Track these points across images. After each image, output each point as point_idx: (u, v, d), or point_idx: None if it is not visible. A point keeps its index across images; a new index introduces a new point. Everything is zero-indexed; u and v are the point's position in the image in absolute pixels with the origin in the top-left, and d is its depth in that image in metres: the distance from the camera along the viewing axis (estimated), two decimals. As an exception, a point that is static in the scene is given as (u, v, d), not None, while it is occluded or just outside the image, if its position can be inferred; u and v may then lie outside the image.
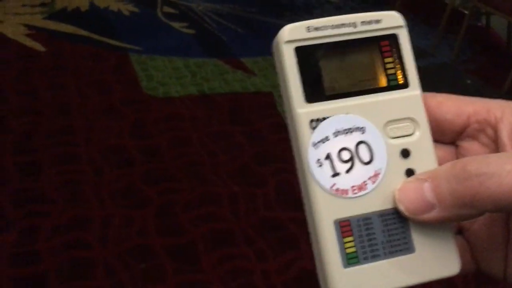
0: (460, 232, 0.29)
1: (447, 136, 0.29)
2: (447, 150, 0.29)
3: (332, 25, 0.27)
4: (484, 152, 0.28)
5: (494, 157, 0.24)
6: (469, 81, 2.45)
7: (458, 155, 0.29)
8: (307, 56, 0.27)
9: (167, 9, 2.78)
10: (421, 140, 0.27)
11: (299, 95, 0.26)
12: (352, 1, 3.19)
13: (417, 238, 0.27)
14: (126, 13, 2.68)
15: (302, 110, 0.26)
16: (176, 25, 2.61)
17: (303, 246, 1.41)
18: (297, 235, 1.45)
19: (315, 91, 0.27)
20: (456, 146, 0.29)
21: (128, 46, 2.35)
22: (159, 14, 2.72)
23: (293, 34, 0.27)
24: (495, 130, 0.27)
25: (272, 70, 2.27)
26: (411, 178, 0.26)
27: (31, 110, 1.85)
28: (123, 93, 2.00)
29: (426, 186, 0.25)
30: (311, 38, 0.27)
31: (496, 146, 0.27)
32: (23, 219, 1.41)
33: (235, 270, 1.34)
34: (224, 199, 1.56)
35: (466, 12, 2.67)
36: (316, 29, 0.27)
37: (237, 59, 2.34)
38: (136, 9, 2.73)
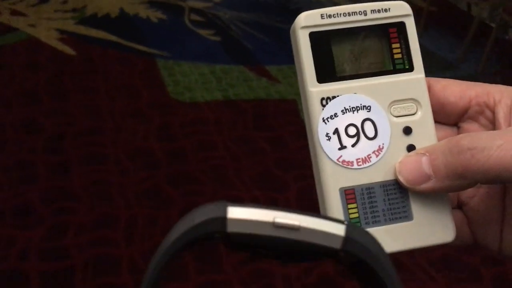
0: (459, 206, 0.31)
1: (450, 118, 0.31)
2: (449, 131, 0.31)
3: (344, 13, 0.29)
4: None
5: (485, 133, 0.26)
6: (494, 94, 2.43)
7: None
8: (321, 40, 0.29)
9: (194, 16, 2.83)
10: (422, 119, 0.29)
11: (312, 76, 0.29)
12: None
13: (416, 207, 0.29)
14: (155, 20, 2.75)
15: (314, 89, 0.29)
16: (202, 32, 2.66)
17: (324, 251, 1.42)
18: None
19: (327, 73, 0.29)
20: (458, 127, 0.31)
21: (155, 51, 2.40)
22: (187, 21, 2.78)
23: (308, 20, 0.29)
24: (493, 112, 0.29)
25: (296, 78, 2.29)
26: (411, 153, 0.29)
27: (62, 112, 1.91)
28: (150, 97, 2.05)
29: (424, 159, 0.27)
30: (325, 24, 0.29)
31: (493, 127, 0.29)
32: (52, 216, 1.46)
33: (256, 272, 1.36)
34: (246, 202, 1.58)
35: (493, 25, 2.66)
36: (330, 16, 0.29)
37: (261, 67, 2.37)
38: (164, 16, 2.79)
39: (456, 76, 2.59)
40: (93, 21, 2.64)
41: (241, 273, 1.36)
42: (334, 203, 0.28)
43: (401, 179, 0.28)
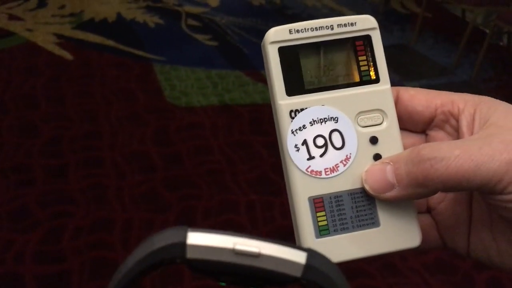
0: (428, 211, 0.32)
1: (417, 126, 0.32)
2: (417, 139, 0.32)
3: (312, 27, 0.30)
4: (448, 140, 0.31)
5: (445, 143, 0.27)
6: (489, 99, 2.45)
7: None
8: (289, 55, 0.30)
9: (191, 21, 2.85)
10: (388, 129, 0.30)
11: (281, 89, 0.30)
12: (374, 18, 3.22)
13: (382, 214, 0.30)
14: (152, 24, 2.76)
15: (283, 102, 0.30)
16: (199, 37, 2.68)
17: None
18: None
19: (295, 86, 0.30)
20: (426, 135, 0.32)
21: (152, 56, 2.41)
22: (183, 26, 2.79)
23: (277, 35, 0.30)
24: (457, 120, 0.30)
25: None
26: (377, 162, 0.30)
27: (59, 116, 1.91)
28: (146, 101, 2.06)
29: (389, 168, 0.28)
30: (293, 39, 0.30)
31: (458, 135, 0.30)
32: (48, 219, 1.47)
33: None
34: (242, 207, 1.59)
35: (487, 31, 2.68)
36: (298, 31, 0.30)
37: (258, 72, 2.38)
38: (161, 21, 2.80)
39: (451, 81, 2.61)
40: (91, 26, 2.65)
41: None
42: (303, 212, 0.29)
43: (367, 187, 0.29)
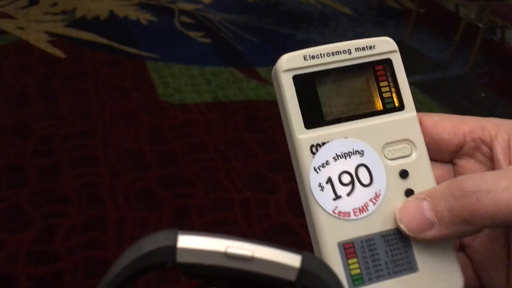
0: (462, 249, 0.30)
1: (444, 155, 0.29)
2: (444, 169, 0.29)
3: (328, 52, 0.28)
4: (480, 169, 0.28)
5: (489, 174, 0.25)
6: (483, 94, 2.46)
7: (455, 173, 0.29)
8: (305, 83, 0.27)
9: (184, 18, 2.83)
10: (418, 160, 0.28)
11: (298, 122, 0.27)
12: (368, 14, 3.22)
13: (420, 257, 0.27)
14: (144, 22, 2.74)
15: (302, 136, 0.27)
16: (192, 34, 2.66)
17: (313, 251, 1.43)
18: (308, 241, 1.46)
19: (314, 117, 0.27)
20: (453, 164, 0.29)
21: (145, 54, 2.40)
22: (177, 23, 2.78)
23: (290, 63, 0.27)
24: (490, 147, 0.28)
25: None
26: (411, 198, 0.27)
27: (52, 115, 1.90)
28: (140, 99, 2.05)
29: (425, 205, 0.26)
30: (308, 66, 0.28)
31: (491, 163, 0.28)
32: (41, 219, 1.45)
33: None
34: (237, 204, 1.59)
35: (481, 26, 2.68)
36: (313, 57, 0.28)
37: (252, 68, 2.38)
38: (154, 18, 2.79)
39: (445, 76, 2.61)
40: (83, 23, 2.63)
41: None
42: (332, 260, 0.26)
43: (402, 227, 0.26)
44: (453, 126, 0.29)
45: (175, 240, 0.21)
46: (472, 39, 2.65)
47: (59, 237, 1.41)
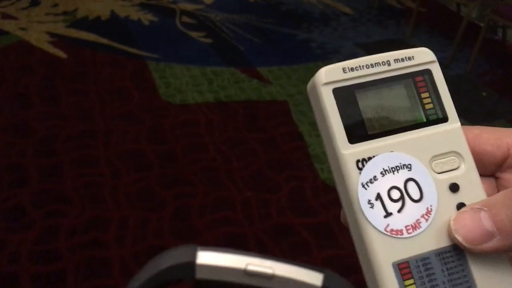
0: None
1: (487, 168, 0.28)
2: (487, 183, 0.28)
3: (367, 64, 0.27)
4: None
5: None
6: (484, 93, 2.46)
7: (499, 187, 0.28)
8: (346, 96, 0.27)
9: (185, 19, 2.84)
10: (467, 173, 0.27)
11: (342, 137, 0.26)
12: (368, 13, 3.22)
13: (478, 276, 0.26)
14: (146, 22, 2.75)
15: (347, 152, 0.26)
16: (194, 34, 2.67)
17: (315, 251, 1.44)
18: (309, 241, 1.47)
19: (358, 132, 0.27)
20: (496, 178, 0.29)
21: (147, 54, 2.40)
22: (178, 23, 2.78)
23: (330, 76, 0.27)
24: None
25: (287, 79, 2.30)
26: (465, 208, 0.26)
27: (53, 115, 1.91)
28: (141, 99, 2.05)
29: (483, 215, 0.25)
30: (348, 78, 0.27)
31: None
32: (43, 219, 1.46)
33: None
34: (238, 204, 1.59)
35: (482, 25, 2.68)
36: (352, 69, 0.27)
37: (253, 68, 2.38)
38: (155, 19, 2.79)
39: (446, 75, 2.60)
40: (84, 24, 2.63)
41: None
42: (389, 282, 0.25)
43: (459, 238, 0.25)
44: (496, 138, 0.28)
45: (194, 256, 0.21)
46: (473, 39, 2.65)
47: (61, 237, 1.41)
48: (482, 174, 0.28)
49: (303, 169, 1.76)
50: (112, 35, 2.53)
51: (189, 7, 2.98)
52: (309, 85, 0.28)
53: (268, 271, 0.21)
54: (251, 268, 0.21)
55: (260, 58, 2.48)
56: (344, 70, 0.27)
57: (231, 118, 2.00)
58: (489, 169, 0.28)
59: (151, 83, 2.18)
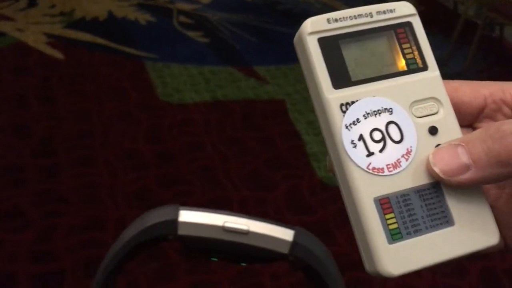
0: None
1: (465, 119, 0.29)
2: (465, 132, 0.29)
3: (350, 16, 0.29)
4: None
5: None
6: (481, 91, 2.46)
7: None
8: (330, 45, 0.28)
9: (182, 18, 2.84)
10: (446, 117, 0.28)
11: (327, 82, 0.27)
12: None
13: (455, 211, 0.27)
14: (143, 22, 2.75)
15: (331, 96, 0.27)
16: (191, 34, 2.67)
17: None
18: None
19: (341, 78, 0.28)
20: (473, 128, 0.30)
21: (144, 54, 2.41)
22: (175, 23, 2.78)
23: (315, 26, 0.28)
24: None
25: (285, 78, 2.31)
26: (444, 144, 0.27)
27: (51, 115, 1.91)
28: (139, 99, 2.06)
29: (461, 149, 0.26)
30: (332, 29, 0.28)
31: None
32: (41, 219, 1.46)
33: (244, 272, 1.37)
34: (235, 202, 1.59)
35: (479, 22, 2.69)
36: (336, 20, 0.28)
37: (250, 67, 2.38)
38: (152, 19, 2.79)
39: (444, 73, 2.60)
40: (81, 24, 2.64)
41: (230, 272, 1.37)
42: (370, 215, 0.26)
43: (436, 170, 0.26)
44: (473, 90, 0.29)
45: (176, 215, 0.23)
46: (471, 36, 2.66)
47: (59, 236, 1.42)
48: (460, 125, 0.29)
49: (300, 167, 1.76)
50: (109, 36, 2.53)
51: (186, 7, 2.99)
52: (296, 36, 0.29)
53: (244, 227, 0.23)
54: (228, 225, 0.23)
55: (258, 57, 2.48)
56: (328, 20, 0.28)
57: (229, 117, 2.00)
58: (467, 119, 0.30)
59: (148, 83, 2.18)
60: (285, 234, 0.23)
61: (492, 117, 0.29)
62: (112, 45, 2.46)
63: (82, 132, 1.84)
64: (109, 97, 2.05)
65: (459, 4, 3.19)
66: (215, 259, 0.25)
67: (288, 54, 2.51)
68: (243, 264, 0.23)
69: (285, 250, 0.23)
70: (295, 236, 0.23)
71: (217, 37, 2.68)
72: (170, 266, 1.36)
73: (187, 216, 0.23)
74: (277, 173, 1.72)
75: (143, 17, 2.80)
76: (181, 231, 0.23)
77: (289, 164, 1.77)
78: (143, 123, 1.92)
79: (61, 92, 2.05)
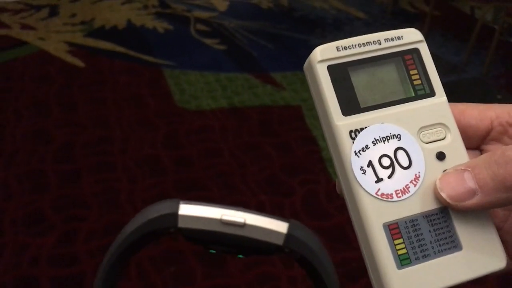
0: None
1: (472, 141, 0.30)
2: (472, 155, 0.30)
3: (359, 43, 0.29)
4: None
5: None
6: (499, 96, 2.44)
7: None
8: (339, 73, 0.29)
9: (200, 26, 2.87)
10: (453, 143, 0.29)
11: (336, 109, 0.28)
12: (382, 17, 3.22)
13: (463, 235, 0.28)
14: (161, 30, 2.79)
15: (341, 123, 0.28)
16: (208, 41, 2.70)
17: (329, 254, 1.44)
18: (323, 244, 1.47)
19: (351, 105, 0.28)
20: (481, 150, 0.30)
21: (162, 61, 2.44)
22: (192, 31, 2.82)
23: (324, 54, 0.29)
24: None
25: (301, 84, 2.32)
26: (450, 169, 0.27)
27: (72, 122, 1.95)
28: (157, 106, 2.09)
29: (467, 174, 0.26)
30: (341, 56, 0.29)
31: None
32: (62, 223, 1.50)
33: (262, 276, 1.38)
34: (253, 207, 1.61)
35: (496, 27, 2.67)
36: (345, 48, 0.29)
37: (266, 74, 2.40)
38: (170, 27, 2.84)
39: (461, 78, 2.60)
40: (101, 33, 2.69)
41: (248, 276, 1.38)
42: (380, 240, 0.27)
43: (443, 195, 0.27)
44: (480, 112, 0.30)
45: (177, 208, 0.24)
46: (488, 41, 2.64)
47: (79, 241, 1.44)
48: (467, 147, 0.30)
49: (316, 173, 1.77)
50: (128, 44, 2.58)
51: (203, 15, 3.02)
52: (305, 63, 0.30)
53: (240, 220, 0.24)
54: (225, 218, 0.24)
55: (274, 64, 2.50)
56: (338, 48, 0.29)
57: (245, 123, 2.02)
58: (474, 142, 0.30)
59: (166, 90, 2.21)
60: (280, 226, 0.25)
61: (498, 140, 0.30)
62: (131, 53, 2.50)
63: (102, 138, 1.87)
64: (128, 104, 2.08)
65: (476, 9, 3.17)
66: (214, 251, 0.26)
67: (303, 60, 2.51)
68: (240, 256, 0.25)
69: (280, 241, 0.24)
70: (289, 228, 0.25)
71: (234, 44, 2.71)
72: (188, 270, 1.38)
73: (187, 209, 0.25)
74: (294, 179, 1.73)
75: (161, 26, 2.84)
76: (181, 224, 0.25)
77: (306, 170, 1.77)
78: (161, 129, 1.94)
79: (82, 99, 2.10)
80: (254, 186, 1.69)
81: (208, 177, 1.72)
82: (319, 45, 0.30)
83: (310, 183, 1.71)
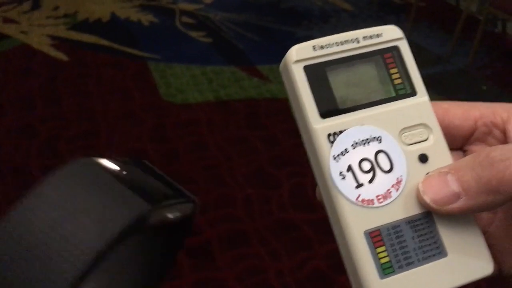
0: None
1: (455, 142, 0.29)
2: (456, 156, 0.29)
3: (336, 42, 0.28)
4: None
5: None
6: (484, 87, 2.46)
7: None
8: (316, 73, 0.27)
9: (185, 19, 2.85)
10: (436, 144, 0.28)
11: (313, 112, 0.27)
12: (368, 9, 3.22)
13: (448, 241, 0.26)
14: (146, 23, 2.77)
15: (318, 126, 0.27)
16: (194, 34, 2.68)
17: (316, 246, 1.45)
18: (310, 236, 1.48)
19: (329, 107, 0.27)
20: (464, 151, 0.29)
21: (147, 54, 2.42)
22: (178, 24, 2.80)
23: (300, 53, 0.27)
24: (503, 131, 0.28)
25: (287, 76, 2.32)
26: (433, 172, 0.26)
27: (56, 116, 1.93)
28: (142, 99, 2.07)
29: (450, 177, 0.25)
30: (318, 56, 0.27)
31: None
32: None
33: (250, 269, 1.39)
34: (239, 201, 1.61)
35: (481, 18, 2.68)
36: (322, 47, 0.28)
37: (253, 67, 2.39)
38: (155, 20, 2.81)
39: (447, 70, 2.61)
40: (85, 26, 2.65)
41: (235, 269, 1.38)
42: (361, 249, 0.25)
43: (427, 200, 0.26)
44: (464, 112, 0.28)
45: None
46: (473, 32, 2.66)
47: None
48: (451, 148, 0.28)
49: (304, 165, 1.77)
50: (112, 37, 2.55)
51: (189, 7, 3.00)
52: (281, 64, 0.28)
53: None
54: None
55: (260, 56, 2.49)
56: (314, 48, 0.28)
57: (232, 116, 2.02)
58: (458, 142, 0.29)
59: (152, 83, 2.20)
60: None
61: (482, 140, 0.29)
62: (116, 46, 2.48)
63: (88, 132, 1.85)
64: (113, 98, 2.06)
65: (461, 0, 3.19)
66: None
67: (290, 53, 2.52)
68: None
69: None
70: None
71: (220, 36, 2.69)
72: (175, 263, 1.38)
73: None
74: (281, 171, 1.73)
75: (146, 18, 2.81)
76: None
77: (293, 162, 1.78)
78: (147, 123, 1.93)
79: (66, 93, 2.07)
80: (241, 179, 1.69)
81: (195, 170, 1.72)
82: (306, 37, 0.29)
83: (298, 176, 1.71)
